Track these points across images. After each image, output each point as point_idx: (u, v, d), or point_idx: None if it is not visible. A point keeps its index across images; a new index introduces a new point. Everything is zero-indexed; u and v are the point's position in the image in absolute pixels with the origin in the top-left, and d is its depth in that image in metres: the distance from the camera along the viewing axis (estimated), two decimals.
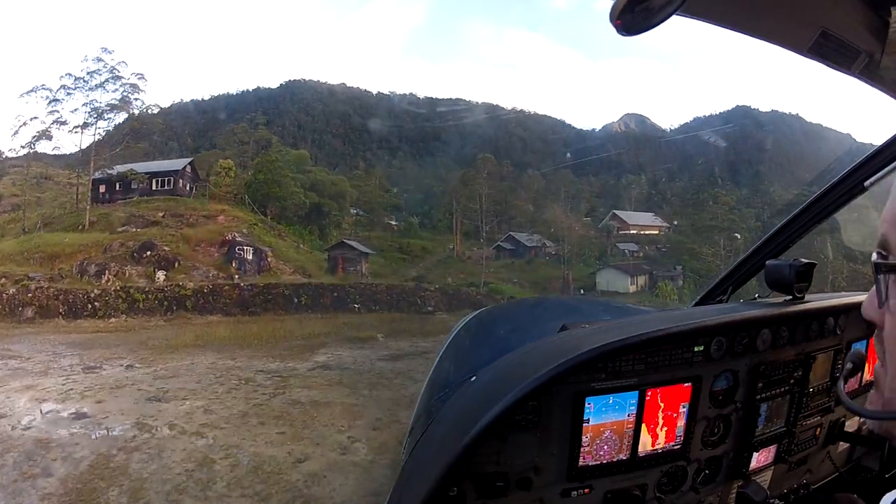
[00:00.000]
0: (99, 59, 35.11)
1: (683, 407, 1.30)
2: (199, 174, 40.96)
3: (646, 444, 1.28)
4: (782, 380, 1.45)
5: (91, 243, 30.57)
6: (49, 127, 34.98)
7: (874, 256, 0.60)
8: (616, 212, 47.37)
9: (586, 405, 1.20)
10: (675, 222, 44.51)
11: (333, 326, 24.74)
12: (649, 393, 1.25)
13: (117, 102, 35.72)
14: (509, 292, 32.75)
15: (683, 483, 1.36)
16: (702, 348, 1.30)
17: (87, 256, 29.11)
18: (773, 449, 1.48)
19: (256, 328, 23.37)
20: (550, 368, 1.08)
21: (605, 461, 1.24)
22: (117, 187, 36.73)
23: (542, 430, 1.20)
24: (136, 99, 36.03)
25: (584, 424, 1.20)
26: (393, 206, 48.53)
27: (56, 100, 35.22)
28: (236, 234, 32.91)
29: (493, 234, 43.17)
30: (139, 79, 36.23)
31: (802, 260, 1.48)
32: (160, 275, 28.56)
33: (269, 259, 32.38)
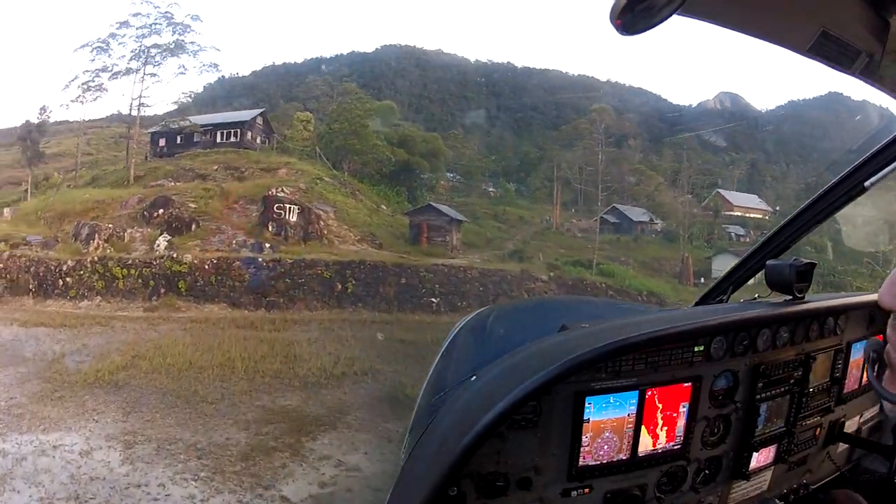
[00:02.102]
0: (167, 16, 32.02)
1: (683, 407, 1.31)
2: (272, 126, 36.92)
3: (646, 443, 1.28)
4: (782, 380, 1.45)
5: (110, 200, 25.80)
6: (96, 80, 32.45)
7: None
8: (720, 191, 43.47)
9: (586, 405, 1.20)
10: (777, 207, 40.37)
11: (385, 349, 15.03)
12: (649, 393, 1.25)
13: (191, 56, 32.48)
14: (622, 276, 26.39)
15: (683, 483, 1.36)
16: (702, 348, 1.30)
17: (95, 216, 23.95)
18: (772, 449, 1.48)
19: (250, 344, 14.92)
20: (550, 368, 1.08)
21: (605, 461, 1.24)
22: (178, 140, 33.96)
23: (543, 430, 1.20)
24: (191, 43, 32.47)
25: (585, 424, 1.21)
26: (491, 172, 43.50)
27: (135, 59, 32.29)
28: (283, 189, 25.75)
29: (591, 205, 38.37)
30: (194, 20, 32.90)
31: (802, 260, 1.48)
32: (161, 241, 22.21)
33: (323, 223, 24.95)
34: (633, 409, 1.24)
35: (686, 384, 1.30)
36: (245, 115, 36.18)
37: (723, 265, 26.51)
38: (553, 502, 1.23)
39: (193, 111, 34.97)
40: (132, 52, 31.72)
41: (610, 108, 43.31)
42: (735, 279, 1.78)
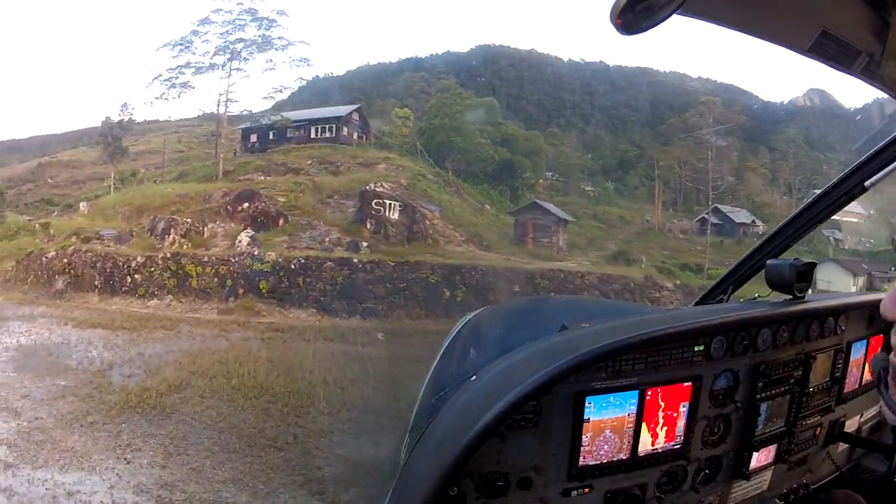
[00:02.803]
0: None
1: (683, 406, 1.31)
2: (368, 122, 36.43)
3: (646, 443, 1.28)
4: (782, 379, 1.45)
5: (193, 194, 24.32)
6: (180, 77, 31.99)
7: None
8: (817, 192, 43.46)
9: (586, 405, 1.20)
10: (871, 211, 38.14)
11: None
12: (649, 392, 1.25)
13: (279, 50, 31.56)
14: None
15: (683, 483, 1.36)
16: (702, 348, 1.30)
17: (174, 210, 22.56)
18: (773, 449, 1.48)
19: (339, 362, 12.43)
20: (550, 368, 1.08)
21: (605, 461, 1.24)
22: (271, 136, 33.67)
23: (543, 430, 1.20)
24: (278, 38, 31.78)
25: (585, 424, 1.21)
26: (589, 171, 42.21)
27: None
28: (383, 184, 23.66)
29: (691, 205, 37.40)
30: (280, 14, 32.05)
31: (803, 260, 1.48)
32: (243, 237, 20.18)
33: (429, 222, 22.97)
34: (634, 408, 1.24)
35: (686, 384, 1.30)
36: (341, 110, 35.37)
37: (826, 275, 25.13)
38: (553, 502, 1.23)
39: (288, 107, 34.46)
40: (216, 48, 31.46)
41: (718, 100, 41.97)
42: (735, 279, 1.78)
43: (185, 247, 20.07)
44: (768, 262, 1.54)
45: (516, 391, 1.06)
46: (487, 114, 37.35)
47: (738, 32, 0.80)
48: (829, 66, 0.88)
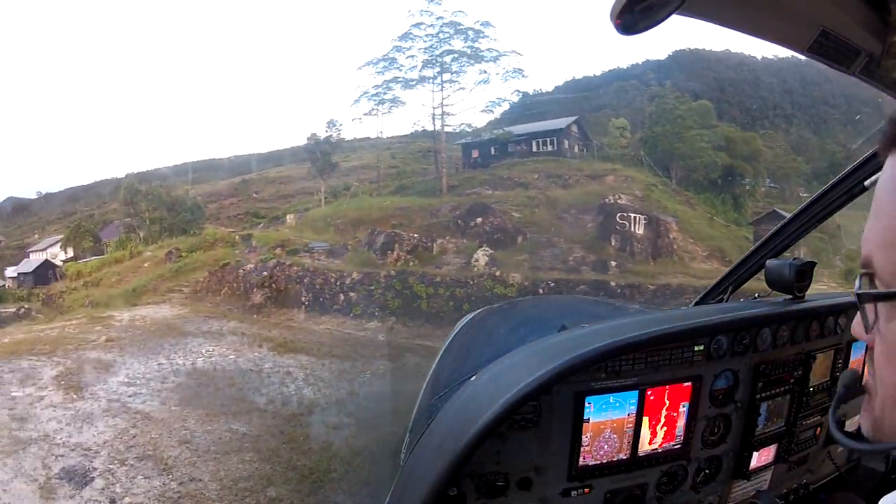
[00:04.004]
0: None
1: (683, 406, 1.30)
2: (587, 134, 35.12)
3: (646, 443, 1.28)
4: (782, 379, 1.45)
5: (416, 207, 22.85)
6: (389, 92, 31.21)
7: (857, 282, 0.57)
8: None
9: (586, 405, 1.20)
10: None
11: None
12: (649, 392, 1.25)
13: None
14: None
15: (684, 483, 1.36)
16: (702, 348, 1.30)
17: (396, 224, 20.93)
18: (773, 448, 1.48)
19: None
20: (550, 368, 1.08)
21: (605, 461, 1.24)
22: (492, 151, 33.00)
23: (543, 430, 1.20)
24: (487, 50, 30.49)
25: (585, 424, 1.20)
26: (802, 175, 39.78)
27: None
28: (621, 197, 22.08)
29: None
30: (484, 26, 30.55)
31: (803, 259, 1.48)
32: (480, 255, 18.03)
33: (673, 235, 21.08)
34: (634, 408, 1.24)
35: (686, 384, 1.30)
36: (559, 122, 34.53)
37: None
38: (553, 502, 1.23)
39: (502, 123, 33.88)
40: (423, 62, 30.86)
41: None
42: (735, 279, 1.78)
43: (411, 264, 17.87)
44: (768, 262, 1.54)
45: (516, 391, 1.06)
46: (703, 117, 35.14)
47: (738, 32, 0.80)
48: (829, 65, 0.88)
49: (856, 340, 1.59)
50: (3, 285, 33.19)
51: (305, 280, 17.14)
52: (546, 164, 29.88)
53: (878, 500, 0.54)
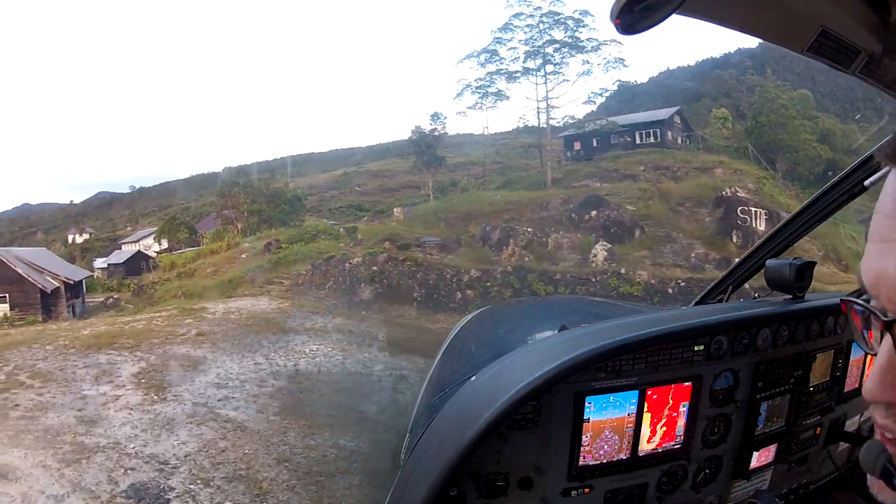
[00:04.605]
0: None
1: (684, 406, 1.30)
2: (689, 125, 34.41)
3: (646, 443, 1.28)
4: (783, 379, 1.45)
5: (526, 201, 22.16)
6: (492, 86, 30.49)
7: (876, 310, 0.47)
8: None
9: (586, 404, 1.20)
10: None
11: None
12: (650, 392, 1.25)
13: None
14: None
15: (684, 482, 1.36)
16: (702, 347, 1.30)
17: (508, 218, 20.19)
18: (773, 448, 1.48)
19: None
20: (550, 368, 1.08)
21: (605, 461, 1.24)
22: (595, 143, 31.91)
23: (543, 430, 1.20)
24: (587, 39, 29.46)
25: (585, 424, 1.20)
26: None
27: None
28: (738, 190, 20.89)
29: None
30: (583, 15, 29.37)
31: (802, 259, 1.48)
32: (598, 250, 17.18)
33: None
34: (634, 408, 1.24)
35: (686, 383, 1.30)
36: (662, 113, 33.39)
37: None
38: (553, 502, 1.23)
39: (602, 115, 33.14)
40: (525, 53, 30.19)
41: None
42: (735, 279, 1.78)
43: (526, 259, 17.13)
44: (768, 261, 1.54)
45: (516, 391, 1.06)
46: (804, 107, 33.66)
47: (738, 32, 0.80)
48: (829, 65, 0.88)
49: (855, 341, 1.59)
50: (93, 276, 32.83)
51: (418, 276, 16.28)
52: (651, 156, 29.03)
53: (878, 500, 0.53)
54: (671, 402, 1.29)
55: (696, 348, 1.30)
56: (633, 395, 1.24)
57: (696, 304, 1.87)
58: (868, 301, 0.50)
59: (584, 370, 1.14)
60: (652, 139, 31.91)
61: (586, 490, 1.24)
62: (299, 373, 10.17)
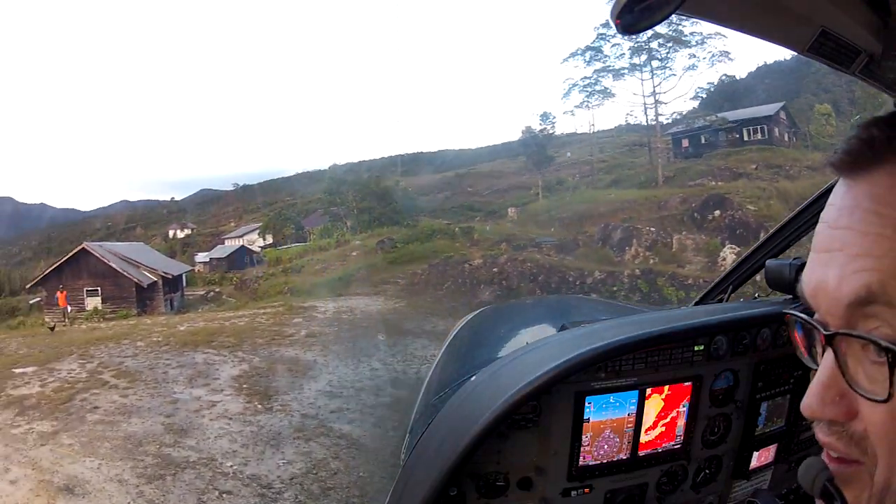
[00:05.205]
0: None
1: (684, 406, 1.30)
2: (795, 121, 33.48)
3: (646, 443, 1.28)
4: (783, 379, 1.45)
5: (640, 200, 21.70)
6: (598, 84, 30.04)
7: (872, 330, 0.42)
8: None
9: (586, 405, 1.20)
10: None
11: None
12: (650, 392, 1.25)
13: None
14: None
15: (684, 482, 1.36)
16: (702, 347, 1.30)
17: (626, 217, 19.43)
18: (773, 448, 1.48)
19: None
20: (550, 368, 1.08)
21: (605, 461, 1.24)
22: (702, 140, 31.41)
23: (543, 430, 1.20)
24: (691, 34, 28.89)
25: (585, 424, 1.21)
26: None
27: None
28: None
29: None
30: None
31: (802, 259, 1.48)
32: (727, 254, 16.27)
33: None
34: (634, 408, 1.24)
35: (686, 383, 1.30)
36: (768, 109, 32.24)
37: None
38: (553, 502, 1.23)
39: (703, 111, 32.50)
40: (630, 49, 29.44)
41: None
42: (735, 279, 1.78)
43: (651, 261, 16.17)
44: (768, 261, 1.54)
45: (516, 391, 1.06)
46: None
47: (738, 32, 0.81)
48: (829, 65, 0.88)
49: None
50: (193, 270, 32.94)
51: (540, 278, 15.78)
52: (761, 154, 28.25)
53: None
54: (671, 402, 1.29)
55: (696, 348, 1.30)
56: (633, 395, 1.24)
57: (696, 304, 1.87)
58: (812, 315, 0.48)
59: (584, 370, 1.14)
60: (759, 136, 30.90)
61: (586, 490, 1.25)
62: (421, 380, 9.71)
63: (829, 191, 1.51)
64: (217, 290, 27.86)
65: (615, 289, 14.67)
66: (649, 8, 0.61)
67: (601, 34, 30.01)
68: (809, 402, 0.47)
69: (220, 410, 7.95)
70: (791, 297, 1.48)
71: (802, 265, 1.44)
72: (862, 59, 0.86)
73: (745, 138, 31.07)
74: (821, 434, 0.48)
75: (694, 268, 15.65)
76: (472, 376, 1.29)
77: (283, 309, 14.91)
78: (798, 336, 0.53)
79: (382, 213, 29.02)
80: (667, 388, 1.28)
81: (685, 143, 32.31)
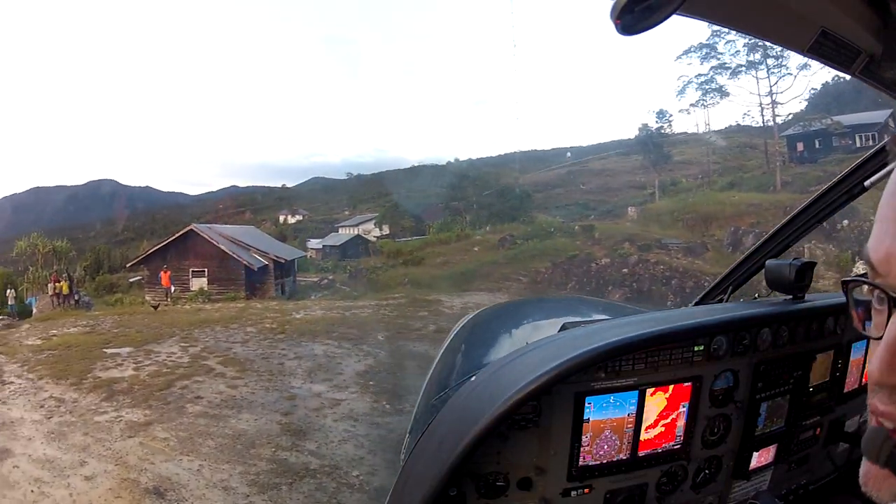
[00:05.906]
0: None
1: (683, 406, 1.30)
2: None
3: (646, 443, 1.28)
4: (782, 379, 1.45)
5: (765, 205, 21.06)
6: (713, 82, 29.14)
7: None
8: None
9: (586, 405, 1.20)
10: None
11: None
12: (649, 392, 1.25)
13: None
14: None
15: (684, 483, 1.36)
16: (702, 348, 1.30)
17: (754, 222, 19.07)
18: (773, 448, 1.48)
19: None
20: (550, 368, 1.08)
21: (605, 461, 1.24)
22: (816, 145, 30.25)
23: (543, 430, 1.20)
24: None
25: (585, 424, 1.21)
26: None
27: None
28: None
29: None
30: None
31: (802, 259, 1.48)
32: (860, 268, 12.07)
33: None
34: (633, 408, 1.24)
35: (686, 384, 1.30)
36: (877, 115, 31.34)
37: None
38: (553, 502, 1.23)
39: (811, 113, 31.66)
40: (745, 45, 28.43)
41: None
42: (735, 279, 1.78)
43: None
44: (768, 262, 1.54)
45: (516, 391, 1.06)
46: None
47: (738, 32, 0.80)
48: (829, 66, 0.88)
49: (856, 340, 1.60)
50: (305, 256, 32.53)
51: (673, 282, 15.15)
52: None
53: (871, 495, 0.52)
54: (671, 402, 1.29)
55: (695, 348, 1.30)
56: (632, 396, 1.24)
57: (696, 304, 1.87)
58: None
59: (584, 370, 1.14)
60: (871, 143, 29.75)
61: (586, 490, 1.25)
62: None
63: (828, 192, 1.50)
64: (331, 277, 27.41)
65: (756, 297, 14.88)
66: (649, 8, 0.61)
67: (715, 31, 29.15)
68: (876, 368, 0.46)
69: (344, 410, 7.24)
70: (791, 297, 1.48)
71: (802, 265, 1.45)
72: (862, 60, 0.86)
73: (858, 144, 30.08)
74: (880, 403, 0.47)
75: (826, 283, 14.78)
76: (472, 376, 1.29)
77: (405, 301, 14.48)
78: (854, 306, 0.53)
79: (501, 210, 29.03)
80: (667, 388, 1.28)
81: (800, 146, 31.19)
